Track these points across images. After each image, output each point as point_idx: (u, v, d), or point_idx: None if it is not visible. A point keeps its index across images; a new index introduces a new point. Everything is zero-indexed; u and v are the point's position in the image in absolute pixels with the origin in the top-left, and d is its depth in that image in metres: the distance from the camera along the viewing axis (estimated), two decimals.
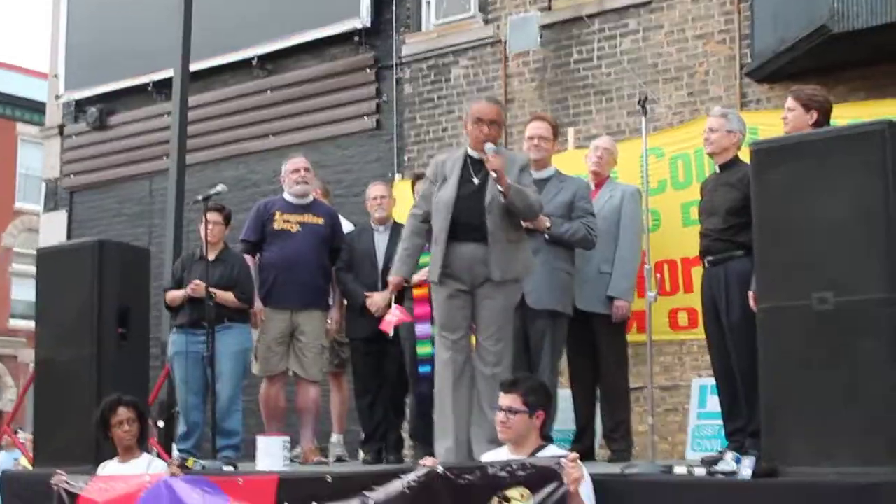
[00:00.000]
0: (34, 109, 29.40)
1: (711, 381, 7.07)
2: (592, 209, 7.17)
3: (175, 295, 8.10)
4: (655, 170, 7.91)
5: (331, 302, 8.30)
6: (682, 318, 8.00)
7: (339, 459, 8.64)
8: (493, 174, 6.10)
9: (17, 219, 32.45)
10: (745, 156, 5.92)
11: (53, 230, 15.56)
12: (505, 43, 12.04)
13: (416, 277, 7.20)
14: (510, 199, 6.13)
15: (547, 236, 6.83)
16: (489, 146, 6.16)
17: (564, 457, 4.99)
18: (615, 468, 5.88)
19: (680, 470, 5.43)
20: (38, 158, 25.00)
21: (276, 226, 8.09)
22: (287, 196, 8.25)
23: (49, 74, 16.92)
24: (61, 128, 16.19)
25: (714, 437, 7.96)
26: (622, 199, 7.41)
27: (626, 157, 8.10)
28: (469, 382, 6.31)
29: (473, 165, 6.32)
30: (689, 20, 10.99)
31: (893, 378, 4.73)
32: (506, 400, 5.37)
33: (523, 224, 6.44)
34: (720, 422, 6.83)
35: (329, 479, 5.94)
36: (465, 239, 6.27)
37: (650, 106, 6.65)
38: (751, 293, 5.86)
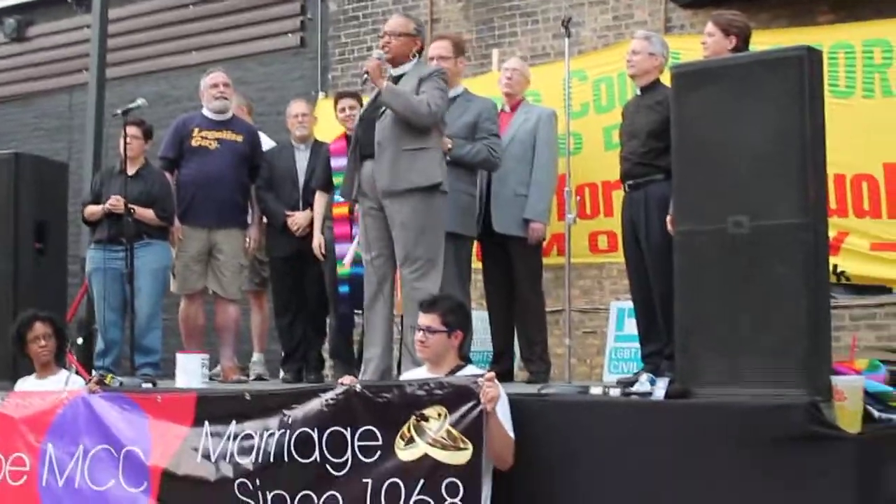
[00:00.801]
0: None
1: (629, 305, 7.14)
2: (497, 130, 7.10)
3: (93, 210, 7.97)
4: (578, 93, 7.92)
5: (249, 220, 8.24)
6: (602, 242, 8.06)
7: (260, 378, 8.64)
8: (366, 75, 6.19)
9: None
10: (667, 80, 5.94)
11: None
12: None
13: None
14: (385, 100, 6.14)
15: (448, 157, 6.64)
16: (375, 52, 6.29)
17: (481, 376, 5.03)
18: (532, 389, 5.95)
19: (596, 391, 5.51)
20: None
21: (193, 142, 7.98)
22: (206, 112, 8.13)
23: None
24: None
25: (631, 359, 8.07)
26: (538, 121, 7.38)
27: (549, 80, 8.11)
28: (388, 301, 6.34)
29: None
30: None
31: (805, 302, 4.80)
32: (424, 319, 5.39)
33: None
34: (637, 345, 6.92)
35: (248, 396, 5.94)
36: (368, 155, 6.30)
37: (574, 29, 6.66)
38: (668, 217, 5.92)
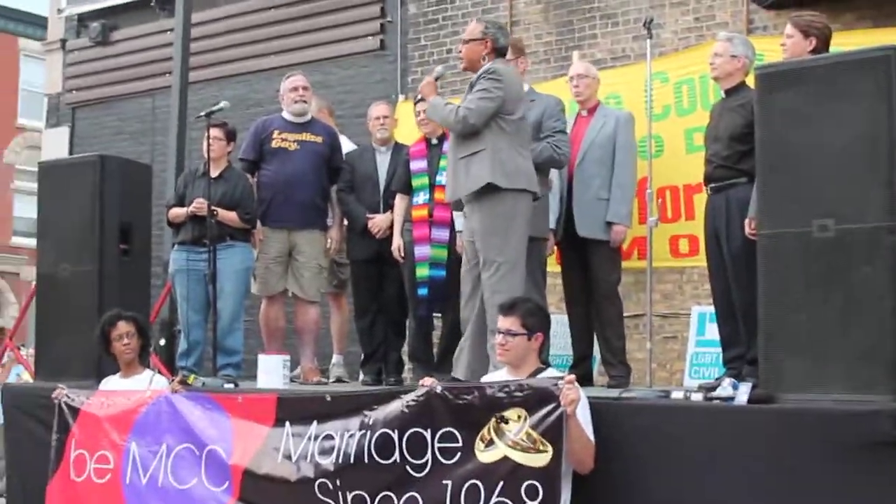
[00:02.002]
0: (36, 24, 29.19)
1: (711, 310, 7.06)
2: (562, 127, 7.05)
3: (178, 212, 8.06)
4: (660, 95, 7.86)
5: (330, 222, 8.29)
6: (684, 245, 7.98)
7: (339, 380, 8.69)
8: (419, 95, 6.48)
9: (20, 135, 32.35)
10: (752, 82, 5.87)
11: (55, 147, 15.46)
12: None
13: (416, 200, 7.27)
14: (430, 116, 6.47)
15: None
16: (437, 68, 6.59)
17: (562, 378, 5.01)
18: (612, 393, 5.92)
19: (677, 395, 5.46)
20: (40, 74, 24.91)
21: (273, 144, 8.05)
22: (285, 114, 8.20)
23: None
24: (63, 42, 16.05)
25: (712, 364, 7.98)
26: (616, 125, 7.35)
27: (630, 82, 8.07)
28: (480, 304, 6.31)
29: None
30: None
31: (890, 306, 4.73)
32: (504, 323, 5.38)
33: None
34: (718, 350, 6.85)
35: (328, 397, 5.98)
36: None
37: (655, 30, 6.60)
38: (748, 220, 5.86)
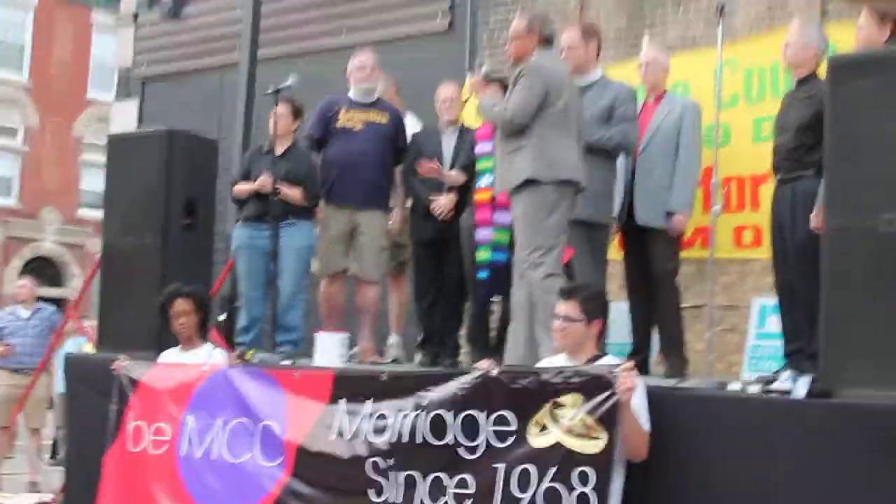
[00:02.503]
0: None
1: (772, 302, 6.99)
2: (632, 115, 7.02)
3: (242, 188, 8.09)
4: (729, 83, 7.73)
5: (392, 202, 8.29)
6: (747, 237, 7.90)
7: (396, 361, 8.70)
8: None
9: (89, 108, 32.74)
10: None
11: (124, 120, 15.63)
12: None
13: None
14: (478, 114, 6.69)
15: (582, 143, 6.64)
16: (484, 67, 6.76)
17: (619, 366, 4.98)
18: (669, 382, 5.88)
19: (734, 386, 5.42)
20: (110, 48, 25.18)
21: (339, 123, 8.06)
22: (352, 93, 8.21)
23: None
24: (135, 16, 16.18)
25: (771, 358, 7.88)
26: (682, 113, 7.29)
27: (698, 69, 7.96)
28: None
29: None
30: None
31: None
32: (563, 308, 5.37)
33: None
34: (778, 343, 6.77)
35: (385, 377, 5.99)
36: None
37: (727, 17, 6.51)
38: (813, 213, 5.78)
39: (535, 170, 6.23)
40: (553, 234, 6.28)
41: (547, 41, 6.52)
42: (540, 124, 6.30)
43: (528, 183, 6.24)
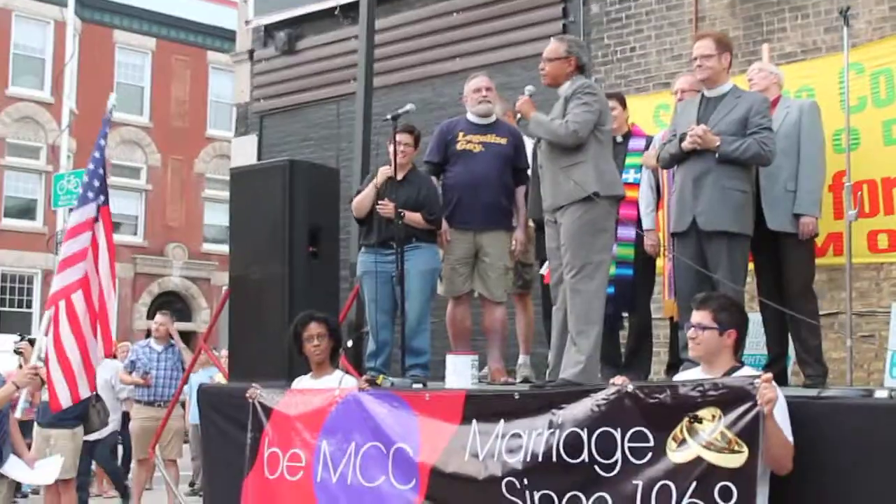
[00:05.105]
0: (224, 37, 30.11)
1: None
2: (768, 124, 6.86)
3: (360, 198, 8.04)
4: (855, 86, 7.58)
5: (515, 223, 8.26)
6: (882, 241, 7.68)
7: (526, 380, 8.64)
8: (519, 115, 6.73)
9: (209, 145, 33.44)
10: None
11: (244, 155, 15.85)
12: None
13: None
14: (532, 131, 6.71)
15: (717, 155, 6.61)
16: (527, 88, 6.81)
17: (758, 377, 4.86)
18: (810, 392, 5.73)
19: (881, 394, 5.25)
20: (227, 86, 25.68)
21: (458, 146, 8.10)
22: (470, 116, 8.23)
23: (238, 0, 17.20)
24: (251, 53, 16.45)
25: None
26: (800, 113, 7.14)
27: (823, 75, 7.83)
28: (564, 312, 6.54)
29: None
30: None
31: None
32: (696, 316, 5.30)
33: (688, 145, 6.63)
34: None
35: (517, 395, 5.96)
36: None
37: (850, 21, 6.38)
38: None
39: (598, 185, 6.38)
40: (606, 249, 6.50)
41: (582, 68, 6.74)
42: (595, 143, 6.50)
43: (587, 199, 6.35)
